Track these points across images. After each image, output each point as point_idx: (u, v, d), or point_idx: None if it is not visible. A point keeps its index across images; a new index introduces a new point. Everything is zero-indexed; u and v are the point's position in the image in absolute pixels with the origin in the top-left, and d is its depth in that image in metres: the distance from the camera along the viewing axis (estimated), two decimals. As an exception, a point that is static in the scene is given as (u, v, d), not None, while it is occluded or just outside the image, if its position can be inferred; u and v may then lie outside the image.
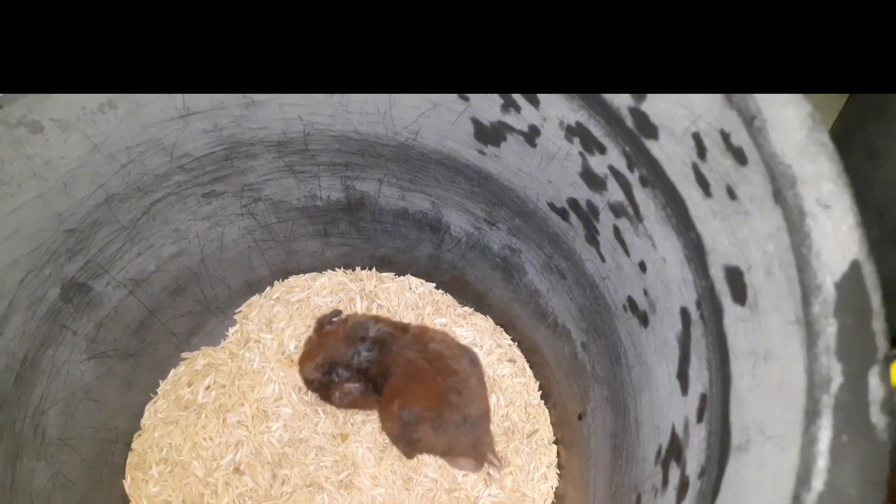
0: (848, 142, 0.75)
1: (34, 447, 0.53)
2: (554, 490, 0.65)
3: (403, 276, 0.74)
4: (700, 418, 0.36)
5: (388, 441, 0.68)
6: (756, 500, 0.28)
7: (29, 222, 0.50)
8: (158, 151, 0.54)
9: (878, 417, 0.26)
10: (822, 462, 0.26)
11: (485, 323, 0.72)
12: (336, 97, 0.53)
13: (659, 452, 0.40)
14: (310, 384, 0.67)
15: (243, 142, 0.56)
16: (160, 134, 0.53)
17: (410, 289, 0.74)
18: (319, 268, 0.74)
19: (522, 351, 0.71)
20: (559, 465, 0.66)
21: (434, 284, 0.74)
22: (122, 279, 0.60)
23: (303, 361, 0.67)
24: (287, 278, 0.74)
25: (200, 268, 0.66)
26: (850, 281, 0.28)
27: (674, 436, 0.39)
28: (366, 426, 0.68)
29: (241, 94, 0.53)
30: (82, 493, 0.58)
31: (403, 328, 0.65)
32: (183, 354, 0.71)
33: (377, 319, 0.66)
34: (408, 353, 0.62)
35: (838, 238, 0.29)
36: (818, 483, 0.25)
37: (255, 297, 0.74)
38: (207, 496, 0.65)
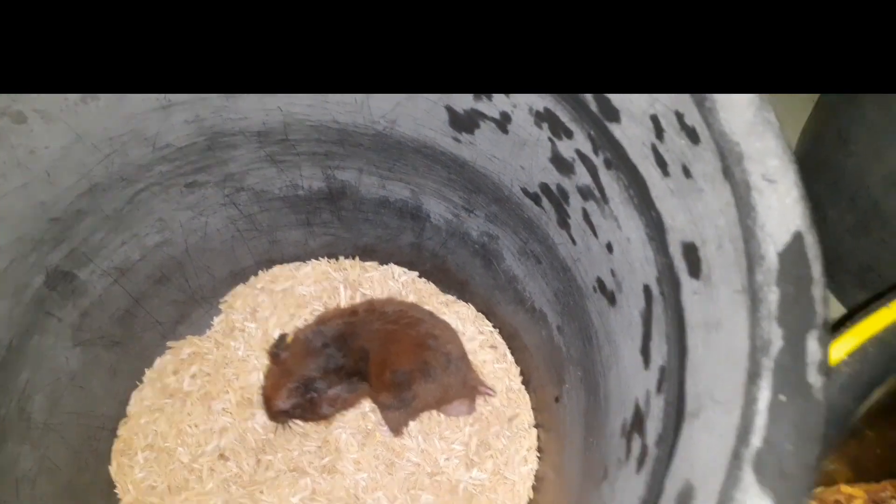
0: (821, 130, 0.77)
1: (19, 431, 0.55)
2: (534, 473, 0.67)
3: (386, 264, 0.75)
4: (659, 389, 0.37)
5: (370, 427, 0.69)
6: (703, 460, 0.29)
7: (13, 211, 0.51)
8: (141, 142, 0.55)
9: (814, 378, 0.27)
10: (760, 420, 0.27)
11: (467, 310, 0.74)
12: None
13: (624, 426, 0.42)
14: (289, 413, 0.65)
15: (224, 132, 0.57)
16: (142, 124, 0.54)
17: (394, 277, 0.75)
18: (303, 257, 0.75)
19: (503, 337, 0.72)
20: (539, 449, 0.67)
21: (417, 273, 0.75)
22: (107, 268, 0.61)
23: (272, 394, 0.64)
24: (271, 268, 0.75)
25: (185, 257, 0.67)
26: (793, 251, 0.30)
27: (637, 409, 0.40)
28: (349, 412, 0.69)
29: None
30: (68, 477, 0.59)
31: (352, 312, 0.65)
32: (168, 343, 0.72)
33: (322, 321, 0.66)
34: (372, 326, 0.63)
35: (782, 211, 0.31)
36: (756, 440, 0.27)
37: (240, 287, 0.75)
38: (192, 481, 0.66)
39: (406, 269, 0.75)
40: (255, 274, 0.75)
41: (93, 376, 0.63)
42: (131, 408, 0.70)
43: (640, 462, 0.36)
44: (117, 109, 0.52)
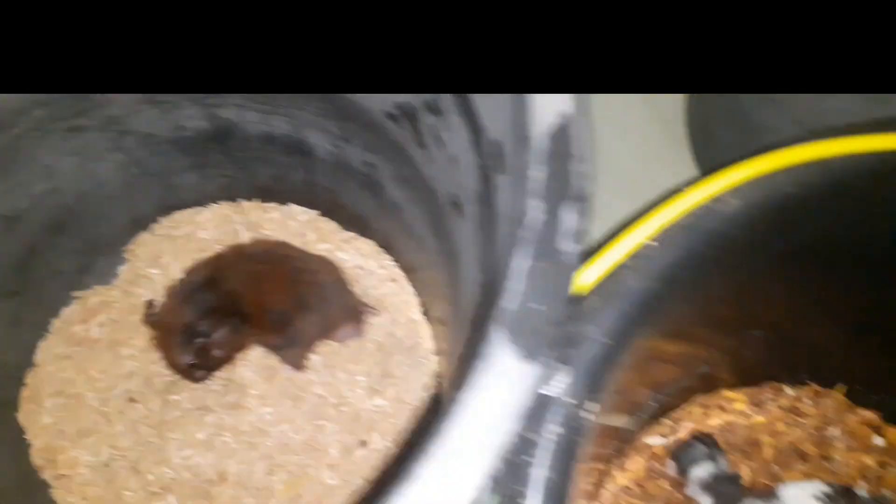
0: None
1: None
2: (434, 396, 0.69)
3: (286, 205, 0.76)
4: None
5: (275, 365, 0.71)
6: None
7: None
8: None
9: (566, 245, 0.29)
10: (517, 284, 0.29)
11: (367, 246, 0.75)
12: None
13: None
14: (192, 368, 0.66)
15: (93, 71, 0.57)
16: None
17: (294, 217, 0.76)
18: (202, 201, 0.76)
19: (403, 270, 0.74)
20: (439, 375, 0.70)
21: (318, 212, 0.76)
22: (-10, 215, 0.61)
23: (167, 353, 0.66)
24: (171, 214, 0.76)
25: (79, 205, 0.68)
26: (559, 132, 0.31)
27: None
28: (253, 350, 0.71)
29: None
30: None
31: (217, 257, 0.66)
32: (74, 293, 0.73)
33: (189, 271, 0.67)
34: (239, 268, 0.64)
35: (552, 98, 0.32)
36: (512, 303, 0.29)
37: (142, 235, 0.76)
38: (102, 424, 0.68)
39: (306, 209, 0.76)
40: (156, 221, 0.76)
41: (-11, 327, 0.64)
42: (38, 357, 0.71)
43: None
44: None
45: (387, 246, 0.74)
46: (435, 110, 0.47)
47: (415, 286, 0.73)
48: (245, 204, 0.77)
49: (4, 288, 0.65)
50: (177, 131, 0.66)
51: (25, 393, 0.69)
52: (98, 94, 0.60)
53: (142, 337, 0.72)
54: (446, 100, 0.45)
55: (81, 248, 0.71)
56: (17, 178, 0.62)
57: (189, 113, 0.64)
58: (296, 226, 0.76)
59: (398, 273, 0.74)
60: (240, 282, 0.64)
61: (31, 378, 0.70)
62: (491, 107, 0.39)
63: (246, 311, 0.65)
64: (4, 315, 0.66)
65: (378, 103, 0.54)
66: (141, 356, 0.71)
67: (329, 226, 0.76)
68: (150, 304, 0.67)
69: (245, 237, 0.75)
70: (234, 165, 0.71)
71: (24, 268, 0.67)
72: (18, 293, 0.67)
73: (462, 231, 0.49)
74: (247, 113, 0.64)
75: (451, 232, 0.52)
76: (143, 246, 0.76)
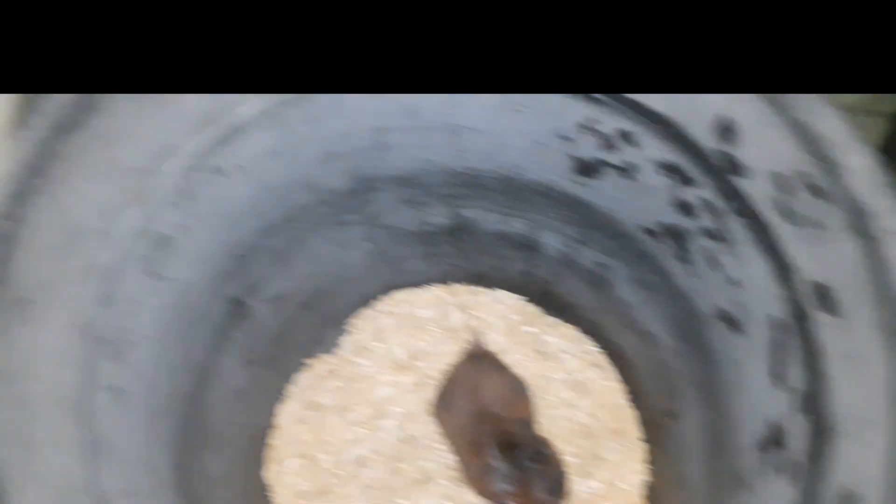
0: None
1: (210, 442, 0.64)
2: (647, 484, 0.73)
3: (495, 289, 0.83)
4: (797, 409, 0.43)
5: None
6: (861, 472, 0.36)
7: (209, 251, 0.60)
8: (307, 188, 0.64)
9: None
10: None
11: (570, 331, 0.81)
12: (457, 141, 0.63)
13: (760, 441, 0.48)
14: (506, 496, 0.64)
15: (374, 178, 0.66)
16: (309, 174, 0.63)
17: (501, 301, 0.83)
18: (420, 283, 0.83)
19: (611, 357, 0.78)
20: (651, 462, 0.73)
21: (525, 297, 0.82)
22: (268, 296, 0.70)
23: (478, 473, 0.66)
24: (394, 293, 0.84)
25: (328, 286, 0.76)
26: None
27: (773, 425, 0.46)
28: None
29: (375, 140, 0.62)
30: (243, 481, 0.68)
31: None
32: (307, 361, 0.81)
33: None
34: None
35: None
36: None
37: (365, 310, 0.84)
38: (337, 485, 0.75)
39: (513, 294, 0.83)
40: (377, 298, 0.84)
41: (253, 392, 0.72)
42: (280, 419, 0.78)
43: (786, 472, 0.42)
44: (293, 162, 0.61)
45: (592, 333, 0.79)
46: (716, 237, 0.52)
47: (622, 373, 0.77)
48: (457, 287, 0.84)
49: (263, 357, 0.74)
50: (421, 226, 0.74)
51: (270, 453, 0.76)
52: (368, 195, 0.69)
53: (367, 405, 0.79)
54: (735, 230, 0.50)
55: (319, 322, 0.80)
56: (291, 263, 0.71)
57: (437, 211, 0.72)
58: (502, 309, 0.82)
59: (603, 359, 0.79)
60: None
61: (273, 439, 0.77)
62: (804, 251, 0.44)
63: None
64: (259, 382, 0.75)
65: (638, 219, 0.60)
66: (368, 423, 0.78)
67: (534, 310, 0.82)
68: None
69: (455, 318, 0.82)
70: (459, 255, 0.79)
71: (278, 341, 0.75)
72: (272, 362, 0.75)
73: (730, 341, 0.54)
74: (488, 214, 0.72)
75: (710, 340, 0.57)
76: (367, 320, 0.83)
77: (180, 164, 0.53)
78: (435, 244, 0.77)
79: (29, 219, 0.44)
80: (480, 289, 0.84)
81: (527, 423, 0.72)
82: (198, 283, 0.61)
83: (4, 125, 0.39)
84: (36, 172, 0.44)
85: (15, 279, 0.44)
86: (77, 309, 0.48)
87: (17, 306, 0.44)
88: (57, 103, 0.45)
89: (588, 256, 0.70)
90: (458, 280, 0.83)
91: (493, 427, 0.69)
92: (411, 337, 0.82)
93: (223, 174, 0.57)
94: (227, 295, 0.65)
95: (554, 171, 0.63)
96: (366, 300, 0.83)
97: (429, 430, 0.77)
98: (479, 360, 0.76)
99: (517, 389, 0.74)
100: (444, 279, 0.83)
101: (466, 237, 0.76)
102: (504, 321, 0.81)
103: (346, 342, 0.83)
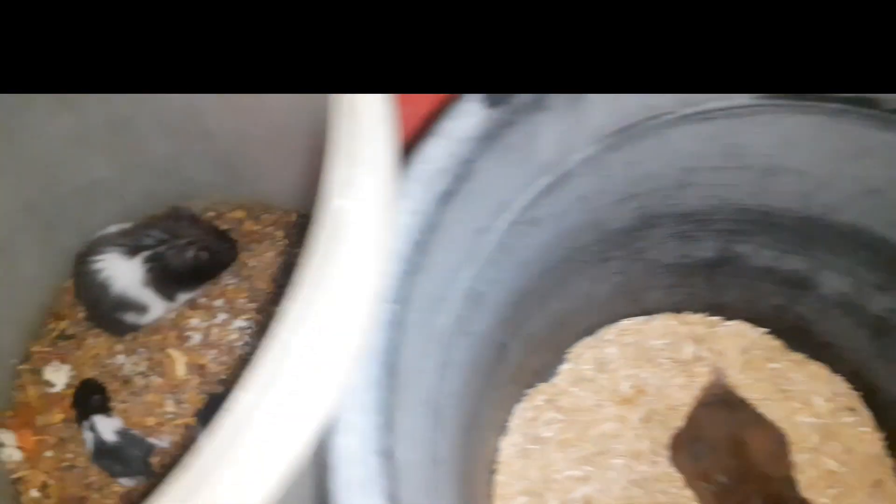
0: None
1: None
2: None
3: (732, 321, 0.77)
4: None
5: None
6: None
7: (501, 300, 0.55)
8: (593, 228, 0.58)
9: None
10: None
11: (819, 370, 0.75)
12: (768, 182, 0.56)
13: None
14: None
15: (661, 216, 0.60)
16: (601, 214, 0.57)
17: (741, 334, 0.77)
18: (650, 312, 0.78)
19: (868, 401, 0.72)
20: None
21: (767, 330, 0.76)
22: (523, 335, 0.65)
23: None
24: (619, 321, 0.78)
25: (565, 318, 0.71)
26: None
27: None
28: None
29: (679, 179, 0.56)
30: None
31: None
32: (524, 391, 0.77)
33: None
34: None
35: None
36: None
37: (587, 339, 0.79)
38: (569, 527, 0.71)
39: (753, 326, 0.76)
40: (603, 327, 0.78)
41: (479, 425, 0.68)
42: (503, 453, 0.75)
43: None
44: (592, 204, 0.55)
45: (848, 373, 0.73)
46: None
47: (880, 420, 0.72)
48: (690, 317, 0.78)
49: (500, 392, 0.70)
50: (680, 258, 0.68)
51: (498, 490, 0.73)
52: (643, 231, 0.62)
53: (591, 441, 0.75)
54: None
55: (537, 349, 0.75)
56: (549, 303, 0.65)
57: (706, 245, 0.66)
58: (742, 342, 0.77)
59: (857, 402, 0.73)
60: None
61: (500, 474, 0.74)
62: None
63: None
64: (477, 419, 0.71)
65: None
66: (594, 459, 0.74)
67: (777, 344, 0.76)
68: (690, 445, 0.69)
69: (688, 350, 0.77)
70: (706, 286, 0.73)
71: (492, 372, 0.70)
72: (483, 395, 0.71)
73: None
74: (763, 250, 0.65)
75: None
76: (588, 349, 0.78)
77: (508, 219, 0.48)
78: (684, 276, 0.71)
79: (412, 299, 0.39)
80: (717, 319, 0.78)
81: (792, 482, 0.67)
82: (483, 335, 0.56)
83: (384, 191, 0.33)
84: (421, 249, 0.38)
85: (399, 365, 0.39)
86: (425, 386, 0.44)
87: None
88: (436, 168, 0.39)
89: (878, 302, 0.64)
90: (693, 309, 0.77)
91: (759, 487, 0.64)
92: (638, 368, 0.77)
93: (537, 224, 0.51)
94: (497, 341, 0.60)
95: (880, 218, 0.56)
96: (591, 330, 0.78)
97: (659, 472, 0.73)
98: (733, 408, 0.71)
99: (781, 443, 0.68)
100: (677, 308, 0.78)
101: (723, 271, 0.70)
102: (744, 355, 0.76)
103: (565, 371, 0.79)
